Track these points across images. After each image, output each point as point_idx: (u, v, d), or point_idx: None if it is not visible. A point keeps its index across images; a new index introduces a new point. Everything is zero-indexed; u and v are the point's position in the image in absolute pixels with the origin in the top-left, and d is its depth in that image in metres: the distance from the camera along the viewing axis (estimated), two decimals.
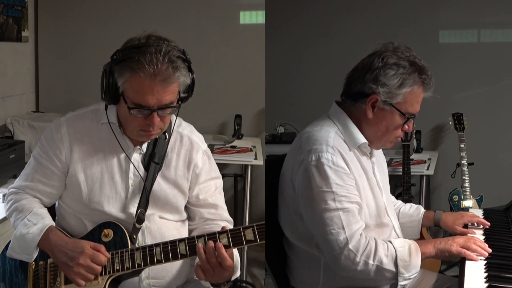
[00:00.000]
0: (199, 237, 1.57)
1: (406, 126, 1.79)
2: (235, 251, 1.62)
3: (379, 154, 1.98)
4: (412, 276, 1.69)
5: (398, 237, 1.89)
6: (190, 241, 1.58)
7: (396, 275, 1.67)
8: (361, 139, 1.79)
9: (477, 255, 1.68)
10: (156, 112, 1.58)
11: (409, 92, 1.73)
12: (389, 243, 1.69)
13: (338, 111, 1.83)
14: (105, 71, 1.59)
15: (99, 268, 1.60)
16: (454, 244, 1.70)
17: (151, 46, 1.54)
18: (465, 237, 1.77)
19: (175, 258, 1.59)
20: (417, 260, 1.68)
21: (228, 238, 1.55)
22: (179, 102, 1.63)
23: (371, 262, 1.65)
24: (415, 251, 1.69)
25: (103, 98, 1.63)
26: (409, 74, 1.72)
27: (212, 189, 1.82)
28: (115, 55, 1.57)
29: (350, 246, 1.64)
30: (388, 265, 1.66)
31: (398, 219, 2.04)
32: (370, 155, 1.86)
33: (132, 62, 1.53)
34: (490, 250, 1.71)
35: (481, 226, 1.99)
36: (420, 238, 2.00)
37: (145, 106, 1.56)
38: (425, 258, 1.71)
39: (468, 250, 1.69)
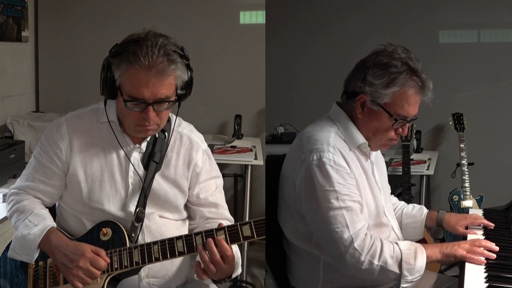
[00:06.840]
0: (196, 234, 1.57)
1: (400, 129, 1.78)
2: (236, 248, 1.62)
3: (378, 156, 1.98)
4: (414, 279, 1.68)
5: (397, 237, 1.89)
6: (188, 239, 1.58)
7: (399, 277, 1.66)
8: (361, 139, 1.79)
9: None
10: (152, 106, 1.58)
11: (398, 92, 1.71)
12: (395, 245, 1.69)
13: (338, 111, 1.83)
14: (103, 65, 1.61)
15: (98, 273, 1.60)
16: (460, 249, 1.69)
17: (148, 40, 1.56)
18: (470, 241, 1.74)
19: (173, 255, 1.59)
20: (421, 264, 1.67)
21: (225, 235, 1.55)
22: (177, 98, 1.64)
23: (376, 262, 1.65)
24: (421, 255, 1.68)
25: (101, 93, 1.64)
26: (399, 74, 1.70)
27: (212, 188, 1.82)
28: (113, 49, 1.60)
29: (355, 245, 1.64)
30: (393, 266, 1.66)
31: (401, 220, 2.04)
32: (369, 156, 1.86)
33: (129, 55, 1.55)
34: (497, 249, 1.69)
35: (482, 226, 1.98)
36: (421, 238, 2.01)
37: (140, 98, 1.57)
38: (430, 262, 1.70)
39: (473, 254, 1.67)
